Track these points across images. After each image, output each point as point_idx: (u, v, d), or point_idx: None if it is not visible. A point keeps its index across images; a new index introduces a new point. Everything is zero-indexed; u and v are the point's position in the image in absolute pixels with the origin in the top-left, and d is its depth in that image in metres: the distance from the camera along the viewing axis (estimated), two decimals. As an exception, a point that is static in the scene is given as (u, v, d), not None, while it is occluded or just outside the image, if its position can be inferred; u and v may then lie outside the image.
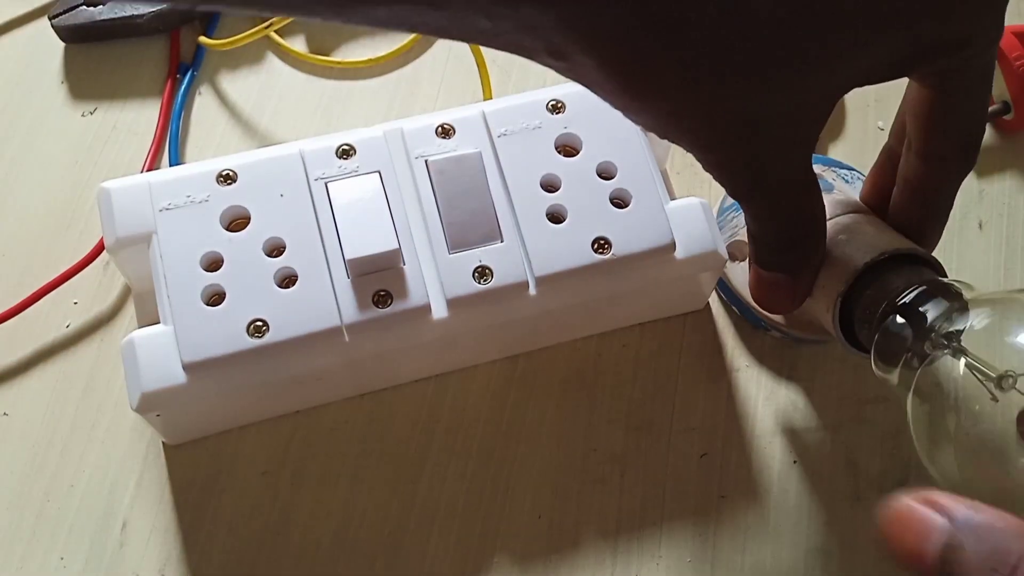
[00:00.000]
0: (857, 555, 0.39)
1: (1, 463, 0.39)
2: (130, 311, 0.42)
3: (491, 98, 0.46)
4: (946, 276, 0.36)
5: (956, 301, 0.34)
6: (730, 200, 0.43)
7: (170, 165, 0.44)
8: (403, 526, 0.38)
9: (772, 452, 0.40)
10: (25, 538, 0.38)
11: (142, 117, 0.46)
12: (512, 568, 0.38)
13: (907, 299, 0.34)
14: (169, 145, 0.45)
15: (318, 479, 0.39)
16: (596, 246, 0.38)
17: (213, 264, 0.37)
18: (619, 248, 0.38)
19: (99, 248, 0.42)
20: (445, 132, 0.39)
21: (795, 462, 0.40)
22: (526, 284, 0.37)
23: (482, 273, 0.37)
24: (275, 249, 0.37)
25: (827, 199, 0.37)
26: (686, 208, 0.39)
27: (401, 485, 0.39)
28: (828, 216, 0.37)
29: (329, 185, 0.38)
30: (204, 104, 0.46)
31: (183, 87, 0.46)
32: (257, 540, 0.38)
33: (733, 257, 0.42)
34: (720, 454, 0.40)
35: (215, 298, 0.36)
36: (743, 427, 0.41)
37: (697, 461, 0.40)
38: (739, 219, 0.43)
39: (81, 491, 0.38)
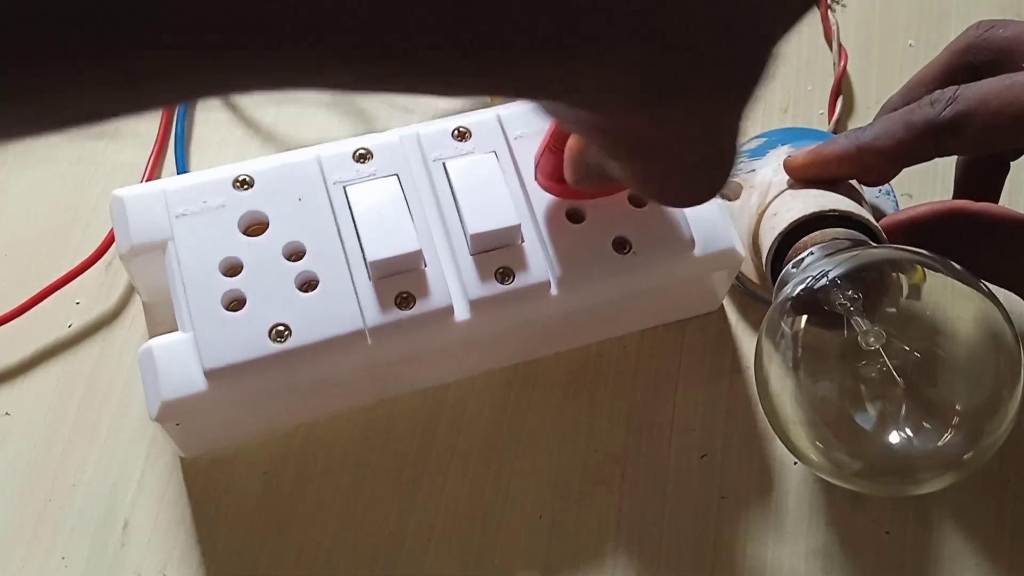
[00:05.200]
0: (857, 555, 0.39)
1: (3, 463, 0.39)
2: (132, 311, 0.42)
3: (501, 101, 0.46)
4: (878, 241, 0.38)
5: (836, 254, 0.36)
6: (747, 147, 0.45)
7: (176, 165, 0.44)
8: (404, 526, 0.38)
9: (772, 452, 0.40)
10: (27, 538, 0.38)
11: (145, 117, 0.46)
12: (513, 569, 0.38)
13: (804, 255, 0.37)
14: (175, 145, 0.45)
15: (319, 479, 0.39)
16: (616, 245, 0.38)
17: (232, 269, 0.36)
18: (639, 247, 0.38)
19: (101, 249, 0.42)
20: (461, 135, 0.39)
21: (795, 463, 0.40)
22: (548, 284, 0.37)
23: (504, 274, 0.37)
24: (295, 253, 0.37)
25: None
26: (704, 206, 0.39)
27: (402, 485, 0.39)
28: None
29: (348, 188, 0.38)
30: (207, 104, 0.46)
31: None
32: (258, 540, 0.38)
33: (726, 196, 0.43)
34: (720, 455, 0.40)
35: (235, 303, 0.36)
36: (743, 428, 0.41)
37: (697, 462, 0.40)
38: (746, 164, 0.44)
39: (83, 491, 0.39)
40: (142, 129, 0.45)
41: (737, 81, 0.23)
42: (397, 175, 0.38)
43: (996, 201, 0.41)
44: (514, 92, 0.23)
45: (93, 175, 0.45)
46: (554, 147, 0.36)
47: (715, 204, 0.39)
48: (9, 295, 0.41)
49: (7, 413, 0.40)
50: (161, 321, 0.40)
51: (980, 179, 0.41)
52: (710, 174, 0.27)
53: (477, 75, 0.21)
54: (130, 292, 0.42)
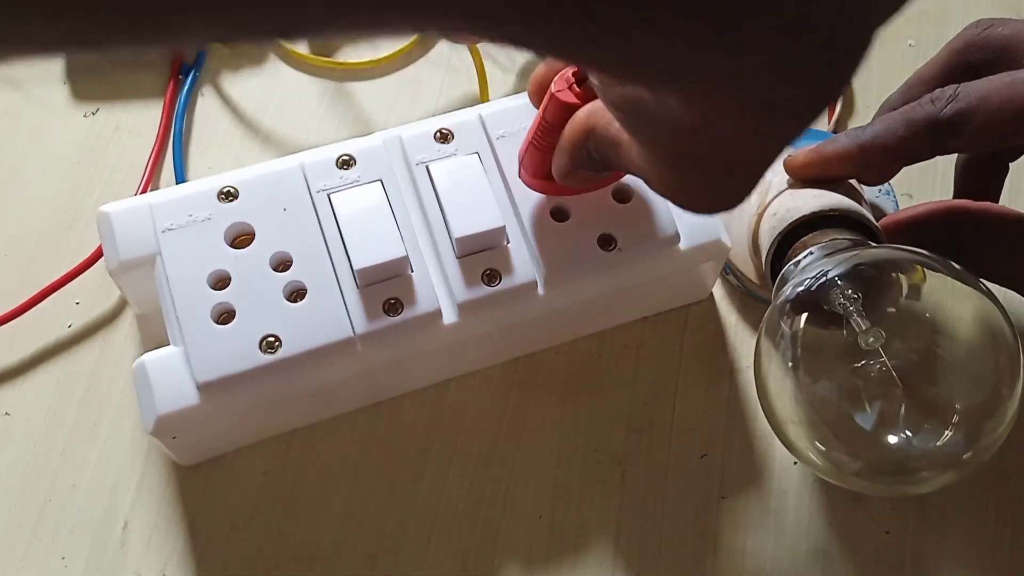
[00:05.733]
0: (857, 555, 0.39)
1: (3, 463, 0.39)
2: (129, 312, 0.42)
3: (488, 100, 0.46)
4: (877, 241, 0.38)
5: (835, 253, 0.36)
6: None
7: (174, 166, 0.44)
8: (403, 526, 0.38)
9: (772, 452, 0.40)
10: (27, 538, 0.38)
11: (144, 118, 0.46)
12: (513, 569, 0.38)
13: (803, 255, 0.37)
14: (173, 147, 0.45)
15: (319, 479, 0.39)
16: (602, 242, 0.38)
17: (220, 282, 0.36)
18: (624, 243, 0.38)
19: (102, 249, 0.42)
20: (443, 137, 0.39)
21: (795, 462, 0.40)
22: (534, 284, 0.38)
23: (491, 276, 0.37)
24: (282, 263, 0.37)
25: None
26: None
27: (402, 485, 0.39)
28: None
29: (332, 196, 0.38)
30: (206, 105, 0.47)
31: (186, 88, 0.46)
32: (258, 540, 0.38)
33: None
34: (720, 454, 0.40)
35: (225, 316, 0.36)
36: (743, 427, 0.41)
37: (697, 461, 0.40)
38: None
39: (83, 491, 0.39)
40: (142, 130, 0.45)
41: (831, 94, 0.23)
42: (381, 180, 0.38)
43: (996, 203, 0.41)
44: (658, 71, 0.23)
45: (93, 175, 0.45)
46: (539, 143, 0.36)
47: None
48: (9, 295, 0.41)
49: (7, 413, 0.40)
50: (154, 333, 0.40)
51: (980, 181, 0.41)
52: (749, 183, 0.27)
53: (644, 50, 0.21)
54: (130, 292, 0.42)
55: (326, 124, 0.47)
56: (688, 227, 0.39)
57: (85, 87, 0.47)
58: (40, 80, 0.47)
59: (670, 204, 0.38)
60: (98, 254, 0.42)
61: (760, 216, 0.41)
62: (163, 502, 0.38)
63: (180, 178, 0.44)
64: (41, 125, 0.46)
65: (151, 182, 0.44)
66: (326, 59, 0.48)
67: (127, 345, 0.41)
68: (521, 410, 0.41)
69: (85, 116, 0.46)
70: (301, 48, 0.48)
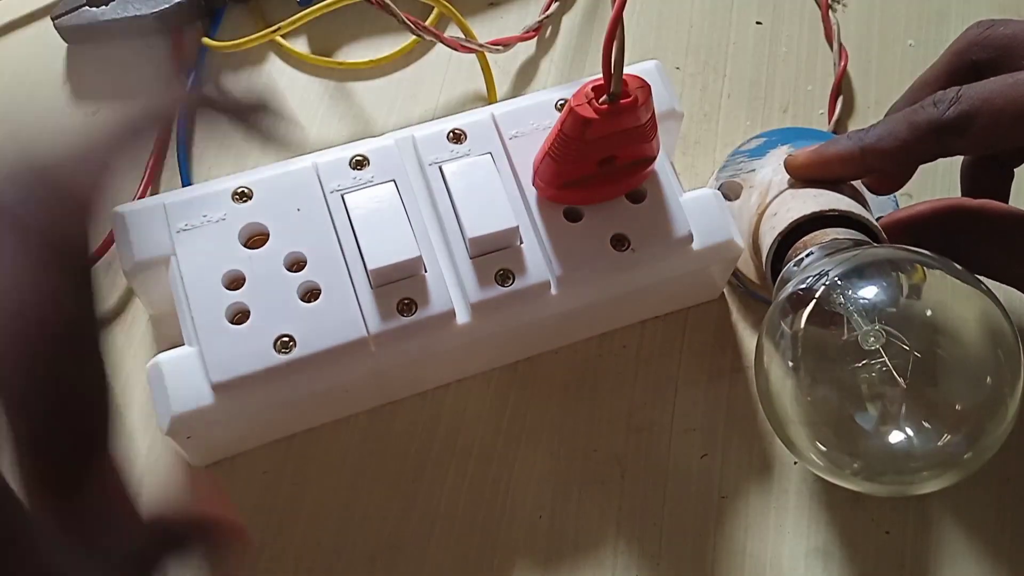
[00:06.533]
0: (857, 555, 0.39)
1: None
2: (132, 311, 0.42)
3: (496, 101, 0.46)
4: (878, 241, 0.38)
5: (836, 253, 0.36)
6: (746, 146, 0.45)
7: (180, 168, 0.44)
8: (403, 526, 0.38)
9: (772, 452, 0.40)
10: (27, 537, 0.38)
11: (144, 118, 0.46)
12: (512, 568, 0.38)
13: (804, 255, 0.37)
14: (177, 149, 0.45)
15: (319, 479, 0.39)
16: (615, 242, 0.38)
17: (235, 282, 0.36)
18: (637, 243, 0.38)
19: (101, 249, 0.42)
20: (456, 137, 0.39)
21: (795, 462, 0.40)
22: (548, 284, 0.38)
23: (504, 276, 0.37)
24: (296, 264, 0.37)
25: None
26: (700, 199, 0.39)
27: (402, 485, 0.39)
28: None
29: (346, 196, 0.38)
30: (206, 105, 0.46)
31: (187, 88, 0.46)
32: (258, 539, 0.38)
33: (726, 196, 0.43)
34: (720, 455, 0.40)
35: (239, 316, 0.36)
36: (743, 427, 0.41)
37: (697, 461, 0.40)
38: (746, 164, 0.44)
39: (83, 491, 0.38)
40: (142, 129, 0.45)
41: None
42: (394, 181, 0.38)
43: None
44: None
45: (93, 175, 0.44)
46: (555, 154, 0.36)
47: (713, 196, 0.40)
48: (9, 295, 0.41)
49: (7, 413, 0.40)
50: (168, 334, 0.40)
51: (985, 187, 0.41)
52: None
53: None
54: (130, 292, 0.42)
55: (326, 124, 0.47)
56: (701, 227, 0.39)
57: (85, 87, 0.47)
58: (40, 80, 0.47)
59: (684, 203, 0.38)
60: (98, 254, 0.42)
61: (760, 216, 0.41)
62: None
63: (186, 180, 0.44)
64: (41, 126, 0.46)
65: (151, 183, 0.44)
66: (326, 59, 0.48)
67: (126, 345, 0.41)
68: (521, 410, 0.41)
69: (86, 116, 0.46)
70: (301, 48, 0.48)
